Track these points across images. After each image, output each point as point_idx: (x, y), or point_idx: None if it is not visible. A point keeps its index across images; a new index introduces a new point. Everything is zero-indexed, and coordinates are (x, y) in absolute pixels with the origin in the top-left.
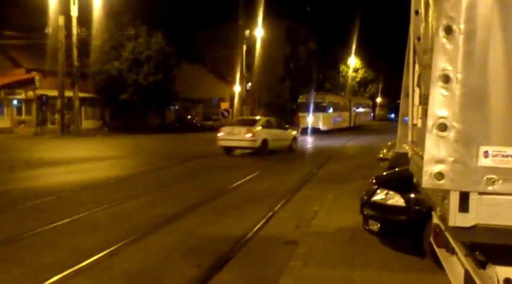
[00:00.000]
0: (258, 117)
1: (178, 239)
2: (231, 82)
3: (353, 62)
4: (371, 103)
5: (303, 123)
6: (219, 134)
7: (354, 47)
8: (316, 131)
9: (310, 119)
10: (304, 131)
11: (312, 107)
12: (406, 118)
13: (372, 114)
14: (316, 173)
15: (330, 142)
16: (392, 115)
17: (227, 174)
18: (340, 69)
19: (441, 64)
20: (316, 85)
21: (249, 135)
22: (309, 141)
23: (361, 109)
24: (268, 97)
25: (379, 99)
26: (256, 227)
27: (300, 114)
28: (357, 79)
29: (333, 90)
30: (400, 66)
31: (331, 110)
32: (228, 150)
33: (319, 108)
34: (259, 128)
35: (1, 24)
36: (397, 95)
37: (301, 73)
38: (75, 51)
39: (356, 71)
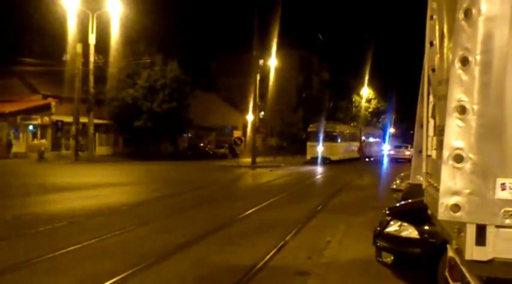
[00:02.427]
0: None
1: (189, 268)
2: (244, 111)
3: (366, 92)
4: (381, 133)
5: (311, 153)
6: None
7: (367, 77)
8: (325, 161)
9: (320, 149)
10: (313, 161)
11: (322, 136)
12: (421, 149)
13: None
14: (328, 203)
15: (342, 173)
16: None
17: (238, 202)
18: (353, 99)
19: (457, 95)
20: (329, 114)
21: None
22: (320, 172)
23: (371, 140)
24: (281, 126)
25: (392, 130)
26: (267, 257)
27: (309, 144)
28: (370, 110)
29: (346, 120)
30: (413, 97)
31: (341, 140)
32: None
33: (330, 138)
34: None
35: (20, 50)
36: (410, 126)
37: (314, 103)
38: (91, 78)
39: (369, 101)
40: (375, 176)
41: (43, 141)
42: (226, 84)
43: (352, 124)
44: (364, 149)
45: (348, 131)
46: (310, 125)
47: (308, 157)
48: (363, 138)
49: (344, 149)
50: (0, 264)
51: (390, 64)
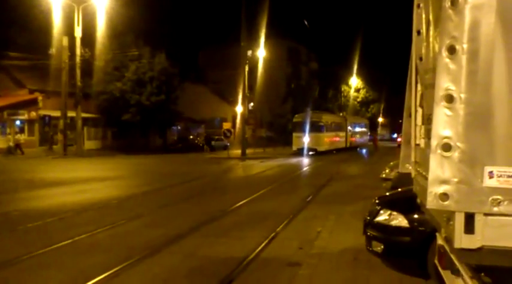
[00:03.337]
0: None
1: (181, 261)
2: (233, 103)
3: (354, 82)
4: (368, 123)
5: (297, 144)
6: None
7: (355, 67)
8: (312, 152)
9: (306, 139)
10: (299, 152)
11: (308, 127)
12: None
13: (369, 134)
14: (318, 194)
15: (329, 163)
16: (395, 135)
17: (229, 194)
18: (342, 89)
19: (444, 84)
20: (318, 105)
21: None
22: (310, 162)
23: (357, 129)
24: (270, 117)
25: (380, 119)
26: (259, 248)
27: (295, 134)
28: (359, 99)
29: (334, 110)
30: (402, 86)
31: (328, 130)
32: None
33: (316, 128)
34: None
35: (5, 44)
36: (399, 115)
37: (303, 93)
38: (78, 72)
39: (358, 90)
40: (364, 165)
41: (18, 136)
42: (215, 76)
43: (341, 114)
44: (351, 139)
45: (334, 121)
46: (296, 115)
47: (294, 148)
48: (349, 127)
49: (330, 139)
50: None
51: (379, 53)
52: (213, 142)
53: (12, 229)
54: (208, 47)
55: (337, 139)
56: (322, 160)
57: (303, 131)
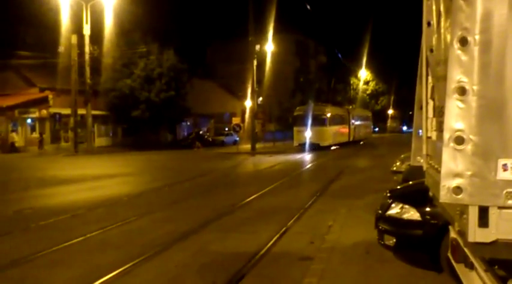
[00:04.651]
0: None
1: (192, 256)
2: (242, 97)
3: (364, 74)
4: (371, 115)
5: (299, 139)
6: None
7: (364, 59)
8: (314, 147)
9: (308, 134)
10: (301, 148)
11: (310, 120)
12: (420, 131)
13: (373, 127)
14: (328, 187)
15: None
16: (405, 128)
17: (239, 189)
18: (351, 81)
19: (457, 76)
20: (327, 98)
21: None
22: (319, 156)
23: (360, 122)
24: (279, 111)
25: (390, 111)
26: (270, 243)
27: (296, 129)
28: (368, 92)
29: (344, 103)
30: (412, 78)
31: (331, 123)
32: None
33: (318, 122)
34: None
35: (15, 43)
36: (409, 107)
37: (312, 87)
38: (87, 69)
39: (367, 83)
40: (373, 158)
41: (13, 134)
42: (223, 71)
43: (350, 106)
44: (354, 133)
45: (337, 113)
46: (297, 108)
47: (295, 143)
48: (352, 120)
49: (334, 133)
50: (4, 258)
51: (388, 45)
52: (223, 137)
53: (25, 226)
54: (216, 42)
55: (341, 133)
56: (329, 154)
57: (305, 125)
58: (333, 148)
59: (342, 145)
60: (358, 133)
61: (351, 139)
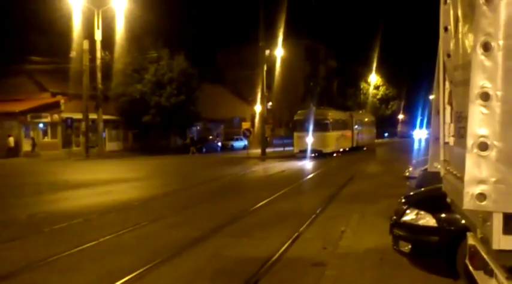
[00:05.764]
0: None
1: (205, 262)
2: (252, 102)
3: (374, 79)
4: (374, 119)
5: (299, 145)
6: None
7: (374, 64)
8: (316, 154)
9: (309, 140)
10: (302, 154)
11: (312, 126)
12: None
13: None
14: (340, 192)
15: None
16: (412, 132)
17: (250, 194)
18: (361, 86)
19: (480, 81)
20: (337, 103)
21: None
22: (329, 161)
23: (363, 127)
24: (289, 116)
25: (401, 116)
26: (283, 248)
27: (297, 134)
28: (378, 96)
29: (354, 108)
30: (423, 83)
31: (334, 129)
32: None
33: (321, 127)
34: None
35: (27, 49)
36: (420, 112)
37: (322, 92)
38: (99, 75)
39: (377, 88)
40: (381, 164)
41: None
42: (233, 76)
43: (360, 111)
44: (357, 138)
45: (340, 118)
46: (298, 112)
47: (296, 150)
48: (356, 126)
49: (337, 139)
50: (17, 263)
51: (399, 50)
52: (232, 143)
53: (39, 231)
54: (226, 47)
55: (344, 138)
56: (336, 160)
57: (306, 130)
58: (335, 155)
59: (344, 151)
60: (361, 138)
61: (354, 145)
